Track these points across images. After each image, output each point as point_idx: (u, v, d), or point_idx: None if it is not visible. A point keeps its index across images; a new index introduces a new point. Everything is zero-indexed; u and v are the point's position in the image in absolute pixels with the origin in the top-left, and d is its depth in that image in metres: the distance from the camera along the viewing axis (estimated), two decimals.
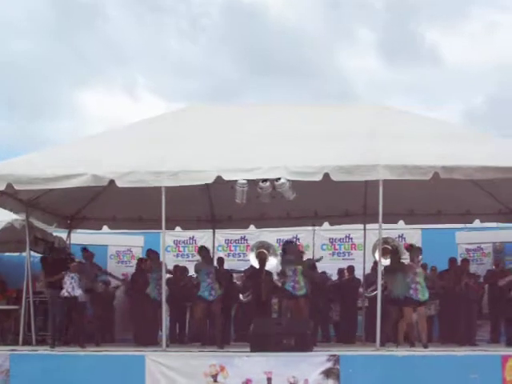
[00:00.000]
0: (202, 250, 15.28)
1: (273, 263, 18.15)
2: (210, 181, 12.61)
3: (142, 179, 12.53)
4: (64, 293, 13.95)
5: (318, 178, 12.34)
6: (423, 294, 14.10)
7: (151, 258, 15.95)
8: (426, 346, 13.53)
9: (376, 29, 53.69)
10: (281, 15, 51.44)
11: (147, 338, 15.02)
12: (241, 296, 17.49)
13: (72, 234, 17.49)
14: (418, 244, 18.16)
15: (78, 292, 14.06)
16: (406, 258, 15.21)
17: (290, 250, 15.37)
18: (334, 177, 12.37)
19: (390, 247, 17.03)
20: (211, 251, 17.67)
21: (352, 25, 53.81)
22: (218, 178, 12.40)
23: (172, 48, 51.39)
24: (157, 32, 51.35)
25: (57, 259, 15.12)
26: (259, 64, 51.49)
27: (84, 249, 16.18)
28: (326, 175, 12.31)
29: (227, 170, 12.43)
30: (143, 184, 12.57)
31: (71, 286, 13.96)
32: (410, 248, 15.17)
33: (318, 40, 50.39)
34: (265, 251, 19.09)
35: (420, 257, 14.89)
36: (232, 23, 51.80)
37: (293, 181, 12.36)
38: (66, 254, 15.61)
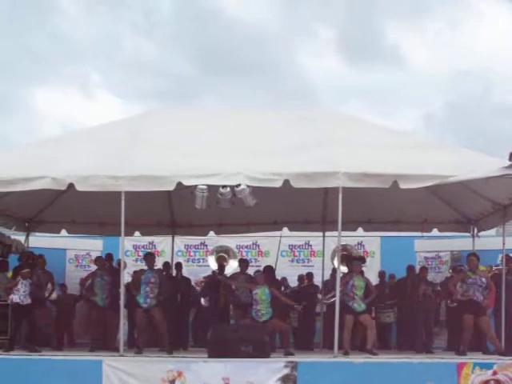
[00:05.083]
0: (146, 257, 15.16)
1: (233, 266, 18.16)
2: (171, 188, 12.54)
3: (102, 183, 12.43)
4: (16, 299, 13.78)
5: (278, 184, 12.31)
6: (359, 305, 14.04)
7: (97, 264, 15.90)
8: (373, 354, 13.42)
9: (336, 26, 53.59)
10: (237, 12, 51.19)
11: (105, 343, 14.90)
12: (202, 300, 17.43)
13: (30, 237, 17.35)
14: (377, 251, 18.32)
15: (28, 300, 13.88)
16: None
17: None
18: (295, 183, 12.38)
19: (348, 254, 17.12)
20: (170, 256, 17.71)
21: (311, 22, 53.55)
22: (179, 185, 12.34)
23: (126, 45, 51.05)
24: (111, 28, 50.92)
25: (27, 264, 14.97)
26: (215, 62, 51.21)
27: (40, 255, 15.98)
28: (286, 182, 12.30)
29: (188, 175, 12.34)
30: (102, 188, 12.46)
31: (24, 294, 13.80)
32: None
33: (277, 38, 50.21)
34: (224, 255, 19.12)
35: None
36: (186, 20, 51.39)
37: (253, 187, 12.31)
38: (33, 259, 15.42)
